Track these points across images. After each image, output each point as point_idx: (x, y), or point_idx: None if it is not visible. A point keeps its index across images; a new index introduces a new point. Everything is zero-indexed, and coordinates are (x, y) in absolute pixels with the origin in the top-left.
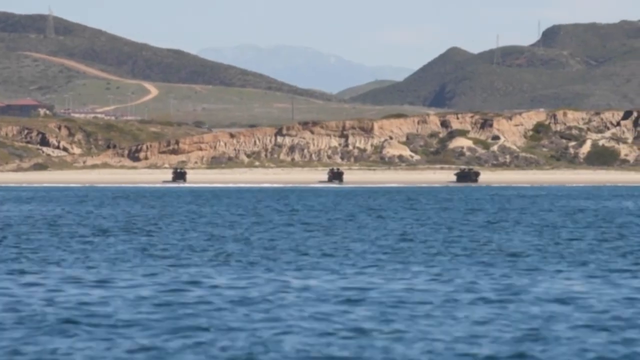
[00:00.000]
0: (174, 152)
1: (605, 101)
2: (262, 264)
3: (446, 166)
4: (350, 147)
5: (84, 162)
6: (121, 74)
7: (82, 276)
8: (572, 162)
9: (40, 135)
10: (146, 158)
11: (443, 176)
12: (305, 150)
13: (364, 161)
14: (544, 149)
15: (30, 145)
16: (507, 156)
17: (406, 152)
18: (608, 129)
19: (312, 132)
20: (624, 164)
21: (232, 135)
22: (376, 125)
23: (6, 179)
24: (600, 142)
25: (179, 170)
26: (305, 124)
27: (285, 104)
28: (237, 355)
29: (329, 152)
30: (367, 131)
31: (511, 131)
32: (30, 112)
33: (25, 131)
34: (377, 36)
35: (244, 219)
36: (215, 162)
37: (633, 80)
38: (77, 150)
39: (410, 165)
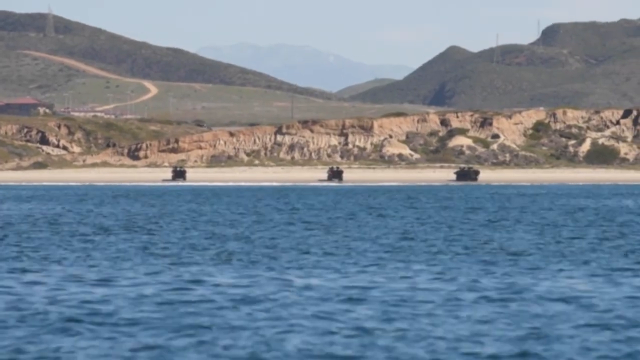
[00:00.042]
0: (174, 150)
1: (604, 100)
2: (263, 262)
3: (446, 165)
4: (350, 146)
5: (84, 160)
6: (121, 72)
7: (83, 275)
8: (572, 160)
9: (39, 134)
10: (146, 157)
11: (443, 175)
12: (305, 149)
13: (363, 160)
14: (544, 148)
15: (29, 144)
16: (507, 155)
17: (406, 150)
18: (608, 127)
19: (312, 131)
20: (623, 163)
21: (231, 134)
22: (376, 124)
23: (6, 177)
24: (600, 141)
25: (178, 169)
26: (305, 123)
27: (285, 103)
28: (240, 354)
29: (329, 150)
30: (367, 130)
31: (511, 130)
32: (29, 110)
33: (25, 130)
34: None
35: (245, 217)
36: (215, 161)
37: (632, 78)
38: (76, 149)
39: (410, 163)
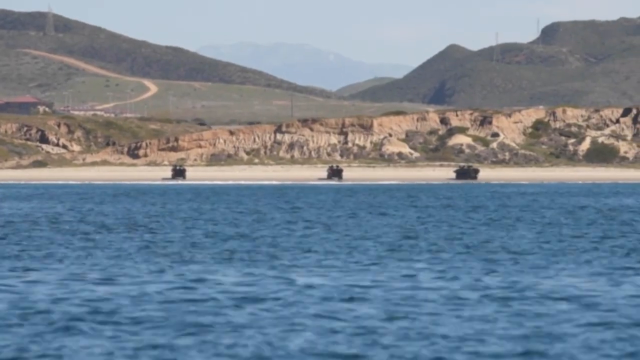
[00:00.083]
0: (174, 149)
1: (604, 98)
2: (265, 261)
3: (445, 163)
4: (350, 145)
5: (84, 159)
6: (120, 71)
7: (86, 273)
8: (572, 159)
9: (39, 133)
10: (145, 155)
11: (442, 173)
12: (305, 148)
13: (363, 158)
14: (543, 146)
15: (29, 143)
16: (507, 153)
17: (405, 149)
18: (607, 126)
19: (312, 130)
20: (623, 161)
21: (231, 133)
22: (375, 123)
23: (5, 176)
24: (600, 139)
25: (178, 168)
26: (304, 121)
27: (284, 101)
28: (243, 353)
29: (329, 149)
30: (367, 128)
31: (510, 128)
32: (29, 109)
33: (25, 128)
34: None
35: (246, 216)
36: (215, 160)
37: (632, 77)
38: (76, 148)
39: (410, 162)
